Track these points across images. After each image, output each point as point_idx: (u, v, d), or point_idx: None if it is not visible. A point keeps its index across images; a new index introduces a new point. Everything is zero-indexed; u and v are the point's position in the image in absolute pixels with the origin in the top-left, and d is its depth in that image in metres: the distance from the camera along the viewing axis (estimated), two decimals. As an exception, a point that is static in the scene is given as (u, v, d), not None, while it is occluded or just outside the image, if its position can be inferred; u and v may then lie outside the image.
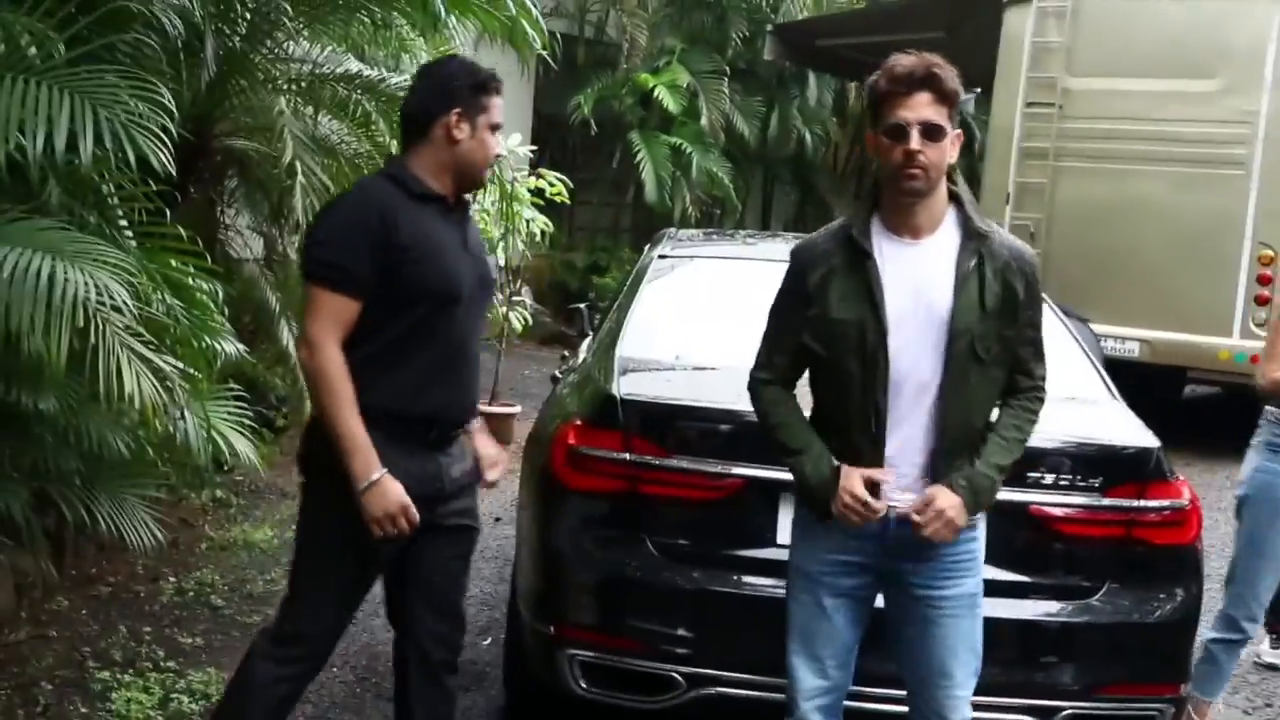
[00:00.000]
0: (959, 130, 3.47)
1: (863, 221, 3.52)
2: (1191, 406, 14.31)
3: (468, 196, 3.90)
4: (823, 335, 3.50)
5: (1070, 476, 4.21)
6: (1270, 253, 11.67)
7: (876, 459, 3.47)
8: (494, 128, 3.75)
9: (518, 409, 10.25)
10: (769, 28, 16.80)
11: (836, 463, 3.49)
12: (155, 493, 5.76)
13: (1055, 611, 4.24)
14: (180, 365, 5.05)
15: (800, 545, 3.67)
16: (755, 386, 3.68)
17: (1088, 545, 4.27)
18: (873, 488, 3.44)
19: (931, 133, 3.37)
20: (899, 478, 3.47)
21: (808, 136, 18.25)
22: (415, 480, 3.61)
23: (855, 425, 3.48)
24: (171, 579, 6.30)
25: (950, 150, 3.44)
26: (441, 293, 3.65)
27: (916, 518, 3.43)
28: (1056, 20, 12.42)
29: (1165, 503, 4.34)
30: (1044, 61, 12.07)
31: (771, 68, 17.74)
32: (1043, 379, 3.63)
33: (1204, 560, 4.52)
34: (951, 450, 3.47)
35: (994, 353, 3.47)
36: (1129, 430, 4.52)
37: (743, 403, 4.53)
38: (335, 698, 5.15)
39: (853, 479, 3.43)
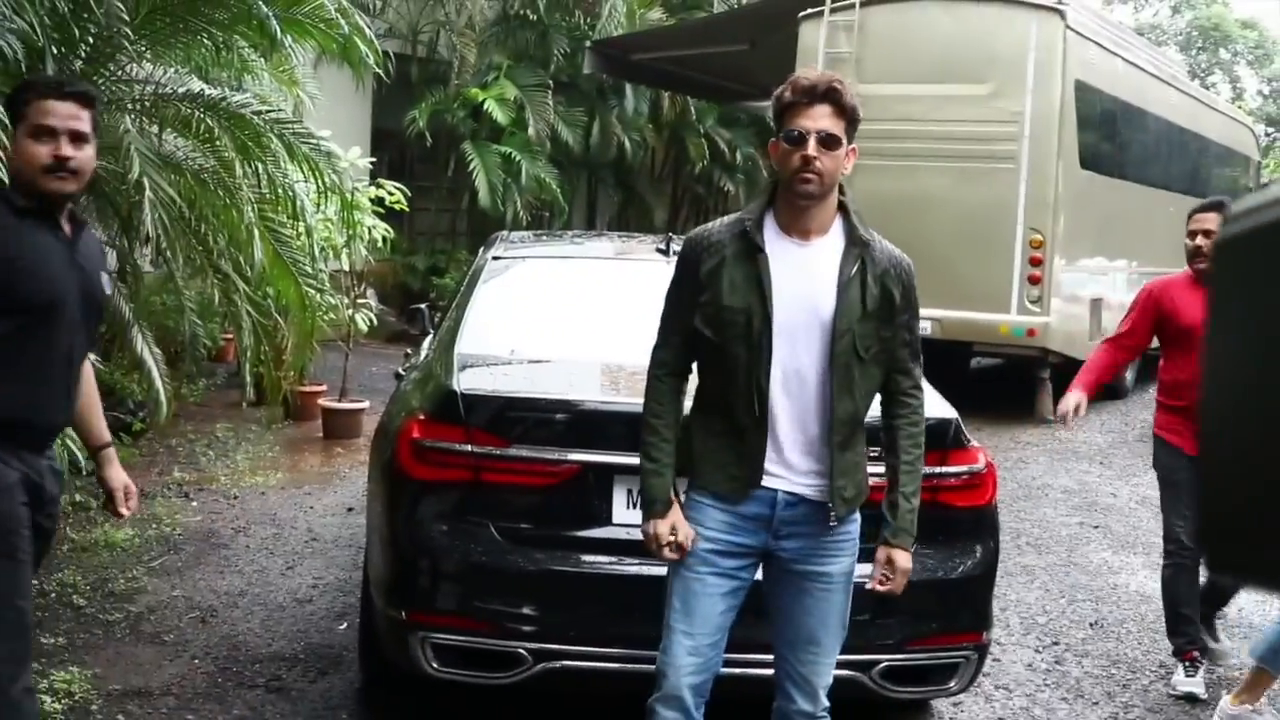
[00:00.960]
0: (854, 146, 3.47)
1: (757, 219, 3.49)
2: (977, 376, 14.64)
3: (82, 208, 3.69)
4: (713, 321, 3.47)
5: (879, 448, 4.17)
6: (1039, 237, 11.99)
7: (760, 439, 3.46)
8: (39, 131, 3.39)
9: (365, 405, 10.07)
10: (588, 44, 16.71)
11: (672, 496, 3.52)
12: (12, 501, 5.42)
13: (870, 574, 4.18)
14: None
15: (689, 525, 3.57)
16: (651, 378, 3.62)
17: (896, 511, 4.23)
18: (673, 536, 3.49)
19: (828, 142, 3.36)
20: (792, 460, 3.48)
21: (627, 143, 18.22)
22: (25, 475, 3.41)
23: (740, 407, 3.46)
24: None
25: (845, 162, 3.45)
26: (43, 304, 3.42)
27: (880, 588, 3.57)
28: (845, 33, 12.58)
29: (964, 468, 4.35)
30: (836, 69, 12.13)
31: (591, 80, 17.66)
32: (920, 377, 3.68)
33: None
34: (842, 442, 3.49)
35: (873, 351, 3.49)
36: (929, 403, 4.49)
37: (575, 392, 4.47)
38: (198, 688, 4.91)
39: (665, 524, 3.48)
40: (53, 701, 4.61)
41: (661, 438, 3.55)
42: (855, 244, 3.47)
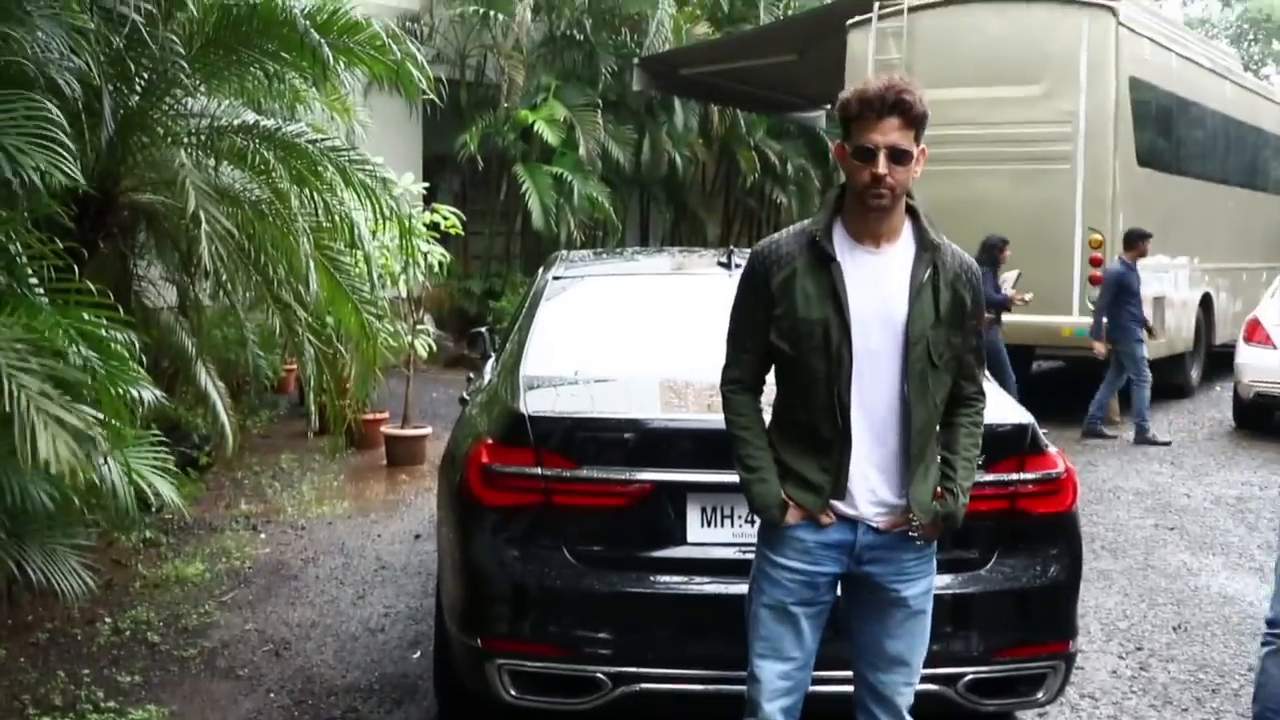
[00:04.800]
0: (923, 147, 3.34)
1: (826, 227, 3.39)
2: (1039, 379, 14.43)
3: None
4: (789, 334, 3.37)
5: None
6: (1099, 236, 11.84)
7: (844, 451, 3.36)
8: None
9: (428, 430, 10.05)
10: (635, 61, 16.67)
11: (784, 497, 3.40)
12: (84, 540, 5.41)
13: (952, 584, 4.09)
14: (100, 416, 4.71)
15: (767, 552, 3.49)
16: (726, 394, 3.53)
17: (976, 519, 4.08)
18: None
19: (898, 157, 3.25)
20: (868, 489, 3.38)
21: (677, 159, 18.16)
22: None
23: (823, 420, 3.36)
24: (108, 619, 5.95)
25: (915, 168, 3.32)
26: None
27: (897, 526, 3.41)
28: (894, 39, 12.49)
29: (1042, 474, 4.23)
30: (886, 77, 12.04)
31: (640, 97, 17.61)
32: (983, 382, 3.60)
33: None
34: (917, 454, 3.39)
35: (945, 358, 3.39)
36: (1003, 408, 4.39)
37: (644, 410, 4.39)
38: (274, 722, 4.88)
39: (795, 518, 3.40)
40: (131, 740, 4.59)
41: (754, 445, 3.45)
42: (926, 249, 3.37)
